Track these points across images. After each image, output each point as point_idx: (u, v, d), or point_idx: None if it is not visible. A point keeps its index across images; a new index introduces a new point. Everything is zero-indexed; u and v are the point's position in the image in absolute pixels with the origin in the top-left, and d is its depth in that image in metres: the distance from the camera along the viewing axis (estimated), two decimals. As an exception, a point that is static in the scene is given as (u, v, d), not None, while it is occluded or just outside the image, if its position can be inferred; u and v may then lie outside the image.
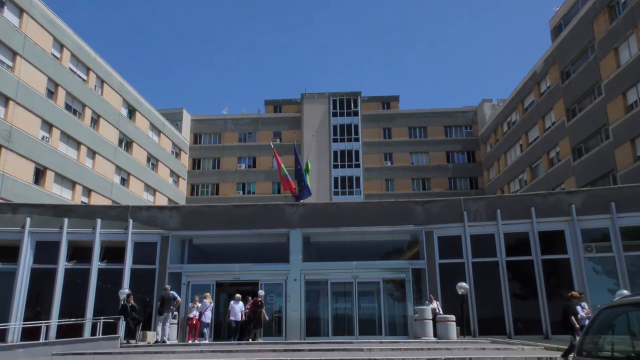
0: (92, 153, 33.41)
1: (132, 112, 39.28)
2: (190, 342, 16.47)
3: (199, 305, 17.18)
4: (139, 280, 19.02)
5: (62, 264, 19.03)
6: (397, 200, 22.25)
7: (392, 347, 13.77)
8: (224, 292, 20.26)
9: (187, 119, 50.85)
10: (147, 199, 40.34)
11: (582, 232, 18.07)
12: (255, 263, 19.68)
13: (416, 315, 16.47)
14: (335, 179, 48.76)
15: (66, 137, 30.93)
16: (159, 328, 16.13)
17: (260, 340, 16.73)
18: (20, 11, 27.48)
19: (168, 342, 15.88)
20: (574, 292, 12.11)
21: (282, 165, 23.97)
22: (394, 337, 18.31)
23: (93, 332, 17.01)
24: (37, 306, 18.98)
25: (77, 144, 31.89)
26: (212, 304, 17.79)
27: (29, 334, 16.98)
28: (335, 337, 18.27)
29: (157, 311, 16.36)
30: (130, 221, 19.58)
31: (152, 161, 42.26)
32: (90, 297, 18.71)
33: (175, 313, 17.30)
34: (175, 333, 17.70)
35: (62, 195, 30.01)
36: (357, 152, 49.45)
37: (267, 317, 17.17)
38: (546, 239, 18.49)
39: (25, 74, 27.39)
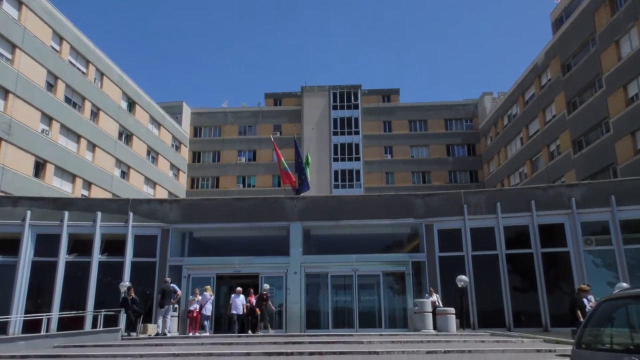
0: (92, 146, 33.39)
1: (132, 105, 39.22)
2: (190, 334, 16.55)
3: (200, 298, 17.25)
4: (139, 273, 19.08)
5: (63, 257, 19.08)
6: (397, 194, 22.28)
7: (391, 339, 13.83)
8: (225, 284, 20.37)
9: (187, 112, 50.81)
10: (148, 192, 40.37)
11: (582, 225, 18.08)
12: (255, 256, 19.74)
13: (416, 308, 16.54)
14: (336, 172, 48.76)
15: (66, 130, 30.90)
16: (160, 321, 16.23)
17: (272, 332, 16.98)
18: (19, 4, 27.36)
19: (169, 335, 15.97)
20: (582, 285, 12.11)
21: (282, 158, 24.01)
22: (393, 329, 18.39)
23: (94, 325, 17.10)
24: (38, 299, 19.05)
25: (77, 137, 31.87)
26: (213, 297, 17.89)
27: (30, 327, 17.04)
28: (336, 330, 18.35)
29: (158, 304, 16.45)
30: (131, 214, 19.61)
31: (152, 154, 42.25)
32: (91, 290, 18.77)
33: (176, 306, 17.37)
34: (176, 325, 17.78)
35: (62, 188, 30.03)
36: (357, 145, 49.42)
37: (274, 308, 17.83)
38: (546, 232, 18.49)
39: (24, 67, 27.31)
